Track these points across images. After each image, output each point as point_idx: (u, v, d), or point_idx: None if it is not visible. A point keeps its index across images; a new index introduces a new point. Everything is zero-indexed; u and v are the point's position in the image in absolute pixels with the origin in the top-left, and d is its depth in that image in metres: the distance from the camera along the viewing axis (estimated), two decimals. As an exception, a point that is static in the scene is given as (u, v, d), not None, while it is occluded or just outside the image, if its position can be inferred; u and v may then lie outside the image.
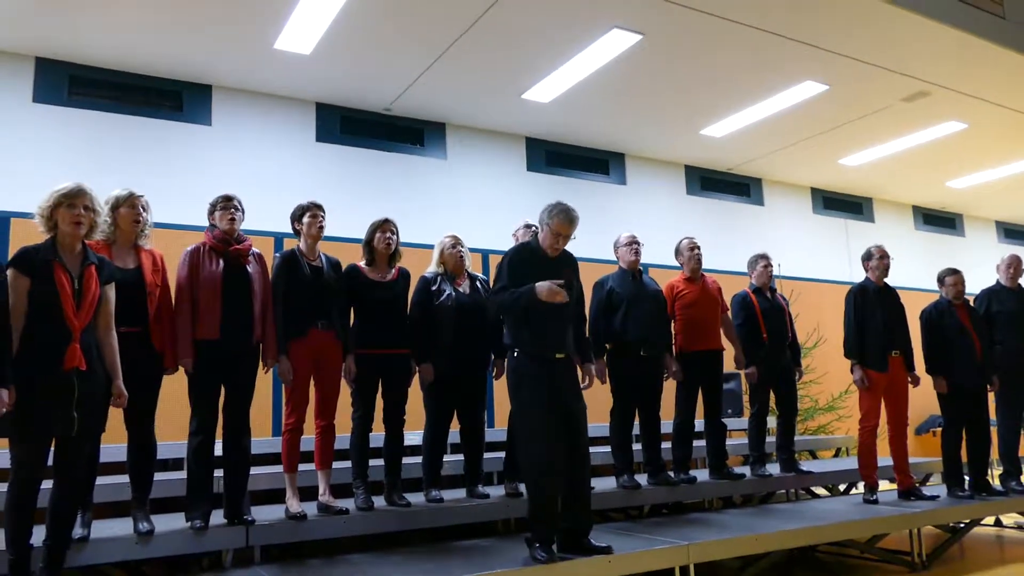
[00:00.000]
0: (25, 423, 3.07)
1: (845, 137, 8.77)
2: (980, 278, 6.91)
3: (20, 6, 5.54)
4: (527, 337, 3.79)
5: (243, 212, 4.08)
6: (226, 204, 4.02)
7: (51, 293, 3.16)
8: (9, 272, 3.14)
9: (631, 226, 8.69)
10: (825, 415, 8.70)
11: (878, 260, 5.62)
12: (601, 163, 8.93)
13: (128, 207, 3.77)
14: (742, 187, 10.02)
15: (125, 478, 3.78)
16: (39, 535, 3.16)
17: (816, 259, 10.36)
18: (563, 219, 3.89)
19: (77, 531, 3.43)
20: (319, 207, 4.35)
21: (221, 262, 3.94)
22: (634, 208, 9.01)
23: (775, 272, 6.00)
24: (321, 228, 4.30)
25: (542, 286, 3.68)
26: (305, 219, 4.30)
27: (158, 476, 3.86)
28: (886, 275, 5.64)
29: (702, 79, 7.17)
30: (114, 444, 3.75)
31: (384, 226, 4.52)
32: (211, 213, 4.08)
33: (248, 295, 3.94)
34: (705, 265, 5.59)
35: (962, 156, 9.50)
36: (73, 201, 3.28)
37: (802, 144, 8.95)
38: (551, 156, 8.61)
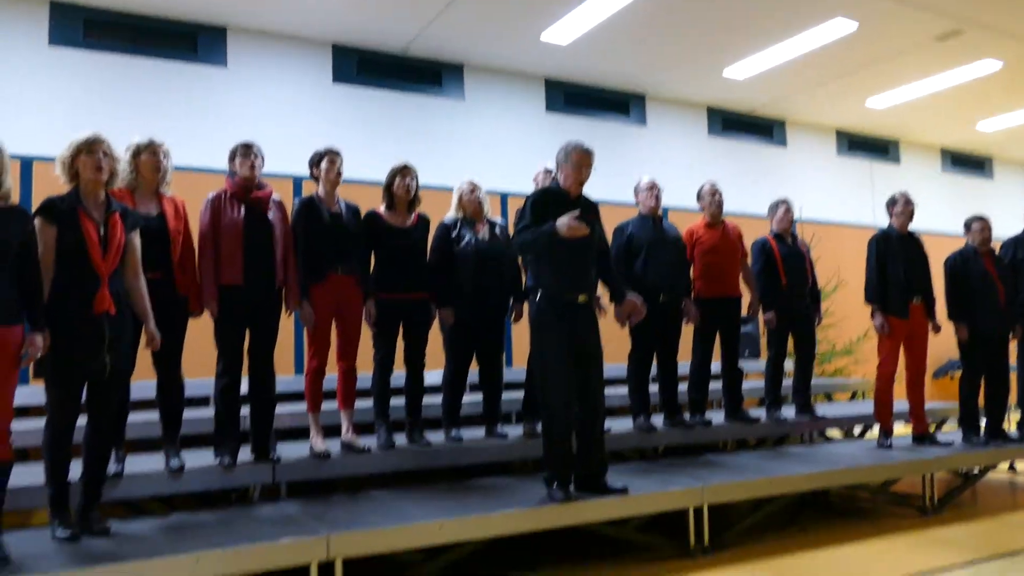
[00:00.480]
0: (59, 366, 3.17)
1: (873, 77, 8.56)
2: (1008, 223, 6.82)
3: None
4: (550, 279, 3.82)
5: (263, 159, 4.11)
6: (246, 151, 4.04)
7: (78, 240, 3.22)
8: (36, 221, 3.19)
9: (651, 168, 8.66)
10: (842, 358, 8.73)
11: (903, 207, 5.56)
12: (621, 104, 8.81)
13: (149, 154, 3.80)
14: (765, 128, 9.86)
15: (156, 414, 3.91)
16: (77, 471, 3.29)
17: (839, 202, 10.24)
18: (581, 150, 3.92)
19: (112, 467, 3.58)
20: (336, 153, 4.35)
21: (242, 209, 3.98)
22: (654, 150, 8.91)
23: (796, 216, 5.95)
24: (339, 174, 4.32)
25: (562, 221, 3.70)
26: (323, 165, 4.31)
27: (186, 413, 3.98)
28: (910, 222, 5.58)
29: (726, 18, 6.99)
30: (145, 380, 3.87)
31: (404, 172, 4.52)
32: (231, 160, 4.11)
33: (269, 241, 4.00)
34: (726, 208, 5.56)
35: (995, 96, 9.25)
36: (92, 147, 3.31)
37: (828, 85, 8.75)
38: (570, 97, 8.50)
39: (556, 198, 3.94)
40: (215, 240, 3.93)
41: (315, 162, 4.37)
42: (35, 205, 3.29)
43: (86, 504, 3.31)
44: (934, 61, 8.08)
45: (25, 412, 4.74)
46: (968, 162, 11.86)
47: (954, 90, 8.90)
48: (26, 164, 5.86)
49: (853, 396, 7.80)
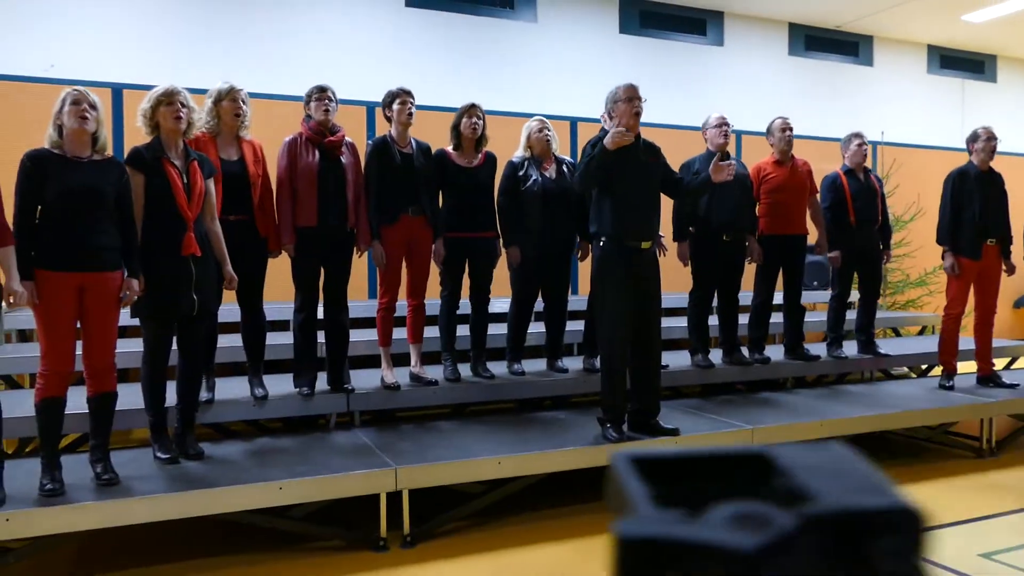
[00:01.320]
0: (153, 306, 3.48)
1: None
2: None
3: None
4: (612, 226, 3.90)
5: (336, 103, 4.24)
6: (320, 96, 4.18)
7: (165, 187, 3.46)
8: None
9: (729, 91, 8.48)
10: (916, 290, 8.56)
11: (984, 142, 5.36)
12: (698, 23, 8.53)
13: (230, 100, 3.97)
14: (850, 46, 9.41)
15: (238, 338, 4.22)
16: (172, 398, 3.64)
17: (927, 124, 9.80)
18: (629, 86, 3.95)
19: (203, 395, 3.93)
20: (408, 93, 4.44)
21: (317, 153, 4.15)
22: (732, 71, 8.66)
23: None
24: (411, 115, 4.42)
25: (608, 138, 3.77)
26: (395, 106, 4.41)
27: (268, 340, 4.28)
28: (991, 159, 5.39)
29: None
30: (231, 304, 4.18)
31: (471, 111, 4.60)
32: (306, 103, 4.25)
33: (342, 184, 4.18)
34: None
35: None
36: (171, 99, 3.50)
37: (921, -1, 8.28)
38: (645, 17, 8.28)
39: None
40: (291, 184, 4.13)
41: (387, 103, 4.47)
42: (125, 135, 3.50)
43: (182, 430, 3.68)
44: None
45: (122, 332, 5.18)
46: (1073, 79, 11.10)
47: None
48: (116, 92, 6.13)
49: (922, 331, 7.71)
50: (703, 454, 0.59)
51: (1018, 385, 5.46)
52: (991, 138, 5.36)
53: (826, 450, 0.59)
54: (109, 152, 3.40)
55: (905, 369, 6.75)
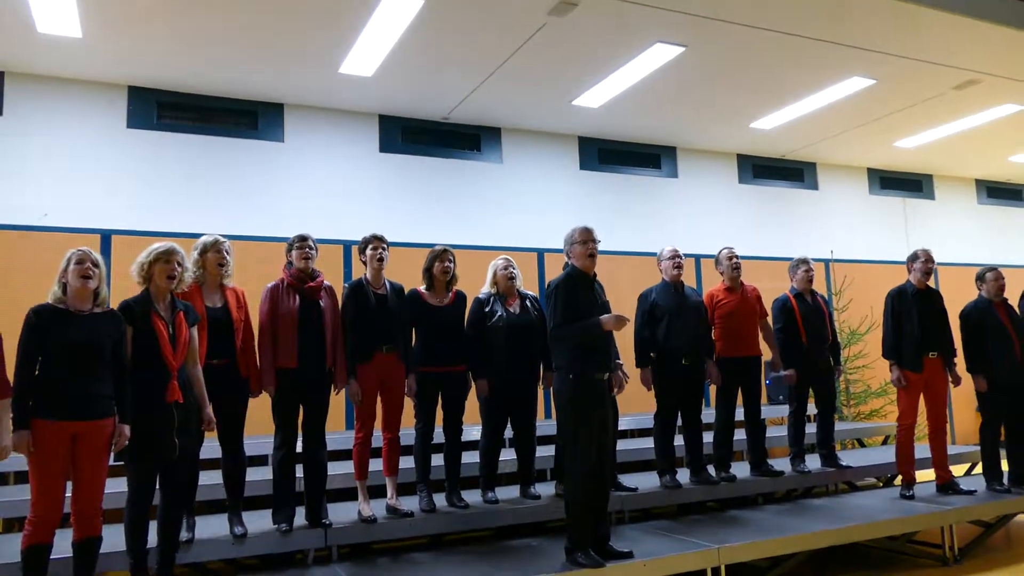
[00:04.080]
0: (138, 451, 3.66)
1: (898, 123, 8.78)
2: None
3: (114, 43, 6.12)
4: (580, 361, 4.16)
5: (316, 251, 4.57)
6: (301, 245, 4.52)
7: (152, 339, 3.71)
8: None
9: (684, 218, 9.01)
10: (878, 399, 8.86)
11: (922, 263, 5.77)
12: (652, 158, 9.17)
13: (214, 252, 4.30)
14: (796, 172, 10.10)
15: (219, 475, 4.37)
16: (153, 539, 3.76)
17: (873, 241, 10.39)
18: (583, 229, 4.31)
19: (183, 535, 4.03)
20: (381, 239, 4.79)
21: (297, 298, 4.45)
22: (687, 200, 9.23)
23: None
24: (382, 259, 4.75)
25: (608, 320, 4.11)
26: (368, 251, 4.76)
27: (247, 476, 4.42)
28: (928, 279, 5.80)
29: (746, 83, 7.35)
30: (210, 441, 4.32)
31: (443, 256, 4.95)
32: (288, 251, 4.58)
33: (321, 327, 4.46)
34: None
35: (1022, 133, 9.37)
36: (169, 258, 3.81)
37: (855, 130, 8.99)
38: (603, 154, 8.90)
39: (578, 282, 4.32)
40: (273, 328, 4.40)
41: (362, 248, 4.81)
42: (112, 276, 3.78)
43: (162, 570, 3.78)
44: (956, 107, 8.28)
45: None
46: (1005, 192, 11.87)
47: (982, 129, 9.04)
48: (105, 237, 6.47)
49: (886, 440, 7.95)
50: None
51: (975, 492, 5.68)
52: (928, 260, 5.78)
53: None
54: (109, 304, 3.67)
55: (872, 479, 6.94)
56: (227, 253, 4.35)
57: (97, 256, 3.59)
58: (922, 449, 5.89)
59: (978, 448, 6.82)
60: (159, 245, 3.86)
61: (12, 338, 3.44)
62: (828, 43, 6.51)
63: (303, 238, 4.56)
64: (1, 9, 5.46)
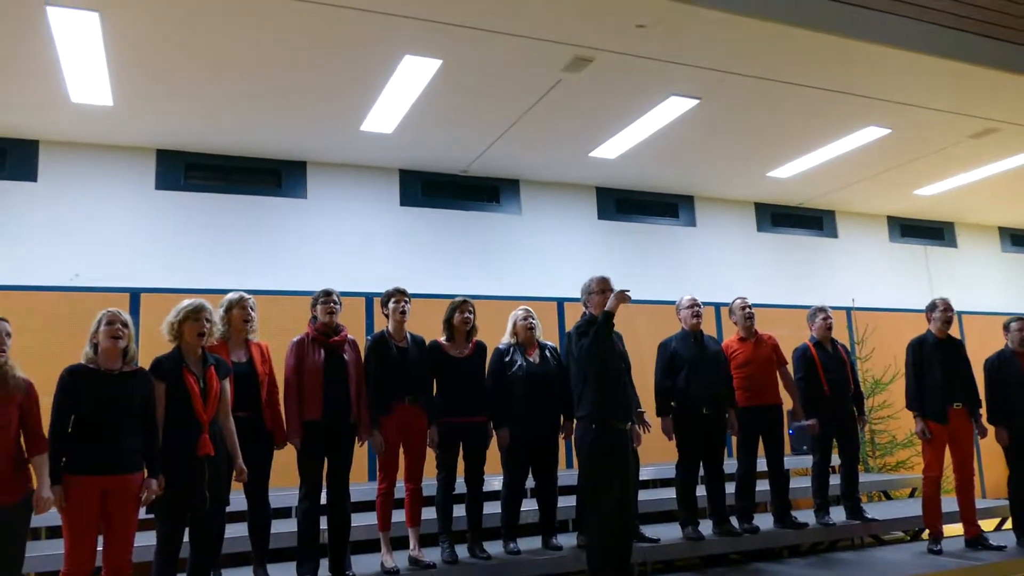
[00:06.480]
0: (169, 504, 3.74)
1: (916, 171, 8.80)
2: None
3: (144, 109, 6.36)
4: (600, 411, 4.22)
5: (340, 305, 4.69)
6: (326, 300, 4.64)
7: (183, 394, 3.82)
8: (150, 379, 3.81)
9: (703, 267, 9.05)
10: (904, 451, 8.74)
11: (940, 312, 5.78)
12: (670, 207, 9.26)
13: (239, 308, 4.43)
14: (814, 220, 10.13)
15: (244, 528, 4.43)
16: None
17: (895, 289, 10.33)
18: (601, 279, 4.52)
19: (210, 587, 4.09)
20: (403, 293, 4.90)
21: (322, 352, 4.55)
22: (705, 249, 9.28)
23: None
24: (404, 312, 4.85)
25: (611, 302, 4.23)
26: (391, 304, 4.87)
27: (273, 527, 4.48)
28: (948, 328, 5.79)
29: (761, 133, 7.46)
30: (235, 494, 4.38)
31: (463, 307, 5.05)
32: (313, 306, 4.70)
33: (345, 380, 4.56)
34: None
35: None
36: (198, 316, 3.94)
37: (873, 179, 9.03)
38: (621, 204, 9.00)
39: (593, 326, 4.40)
40: (298, 381, 4.50)
41: (384, 301, 4.93)
42: (141, 333, 3.90)
43: (189, 625, 3.82)
44: (975, 155, 8.29)
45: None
46: (1030, 240, 11.81)
47: (1003, 176, 9.04)
48: (135, 295, 6.63)
49: (913, 493, 7.82)
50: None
51: (1005, 547, 5.57)
52: (947, 309, 5.78)
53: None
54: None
55: (899, 532, 6.83)
56: (252, 309, 4.48)
57: (126, 316, 3.72)
58: (950, 502, 5.81)
59: (1005, 503, 6.72)
60: (187, 303, 3.98)
61: (48, 396, 3.57)
62: (841, 93, 6.60)
63: (328, 293, 4.68)
64: (38, 83, 5.70)
